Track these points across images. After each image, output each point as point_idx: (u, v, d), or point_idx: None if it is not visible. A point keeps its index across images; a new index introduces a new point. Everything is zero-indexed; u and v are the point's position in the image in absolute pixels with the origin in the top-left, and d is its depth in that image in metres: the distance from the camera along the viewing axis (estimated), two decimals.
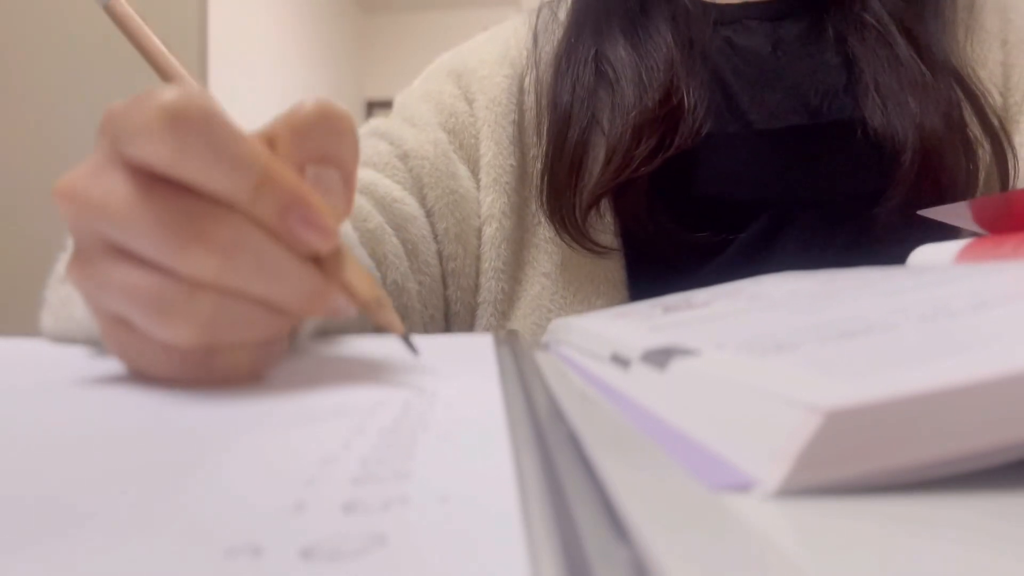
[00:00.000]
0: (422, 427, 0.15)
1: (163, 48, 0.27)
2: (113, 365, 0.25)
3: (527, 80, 0.54)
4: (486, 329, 0.51)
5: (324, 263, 0.22)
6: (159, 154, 0.18)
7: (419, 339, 0.35)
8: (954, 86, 0.46)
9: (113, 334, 0.21)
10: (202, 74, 2.15)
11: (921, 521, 0.10)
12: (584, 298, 0.50)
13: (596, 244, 0.49)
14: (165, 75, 0.27)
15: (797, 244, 0.47)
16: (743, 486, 0.11)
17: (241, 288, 0.20)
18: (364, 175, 0.48)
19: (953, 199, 0.44)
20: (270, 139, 0.22)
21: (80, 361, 0.27)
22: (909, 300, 0.18)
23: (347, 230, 0.43)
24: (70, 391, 0.21)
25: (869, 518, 0.10)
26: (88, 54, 2.00)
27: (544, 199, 0.50)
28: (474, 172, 0.53)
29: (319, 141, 0.22)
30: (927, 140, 0.44)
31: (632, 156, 0.46)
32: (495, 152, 0.52)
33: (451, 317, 0.52)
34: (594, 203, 0.48)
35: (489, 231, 0.51)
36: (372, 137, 0.52)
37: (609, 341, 0.24)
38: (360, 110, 3.94)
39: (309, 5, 3.24)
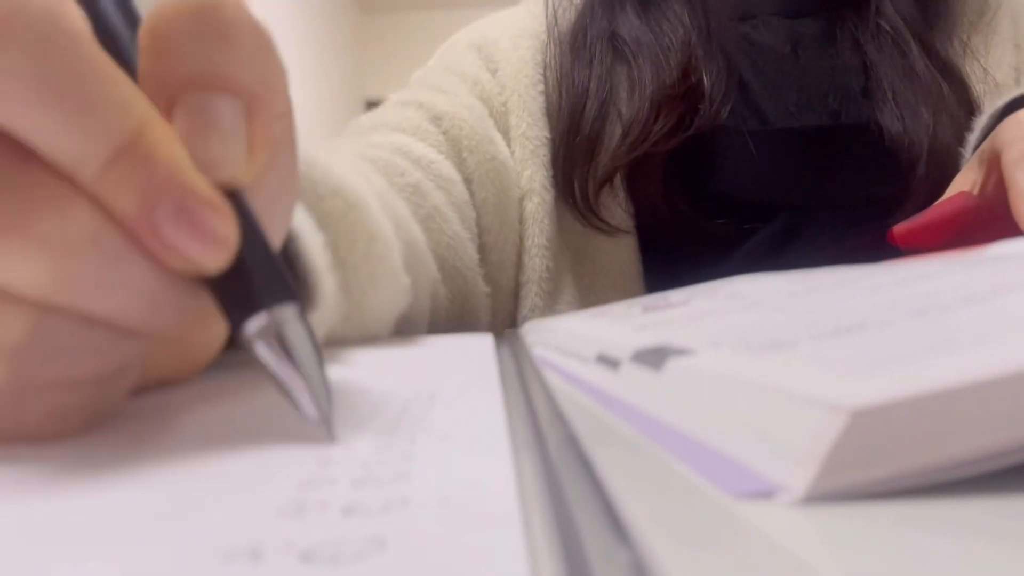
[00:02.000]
0: (421, 428, 0.15)
1: None
2: None
3: (548, 54, 0.53)
4: (532, 309, 0.50)
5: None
6: None
7: (418, 339, 0.35)
8: (965, 97, 0.47)
9: None
10: None
11: (956, 523, 0.10)
12: (599, 290, 0.50)
13: (605, 223, 0.48)
14: None
15: (813, 246, 0.47)
16: (763, 492, 0.11)
17: (77, 305, 0.14)
18: (395, 138, 0.46)
19: None
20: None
21: None
22: (893, 297, 0.18)
23: (380, 184, 0.39)
24: None
25: (884, 520, 0.10)
26: None
27: (559, 174, 0.50)
28: (507, 143, 0.52)
29: (193, 54, 0.14)
30: (939, 151, 0.45)
31: (649, 131, 0.46)
32: (528, 123, 0.51)
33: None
34: (608, 178, 0.48)
35: (531, 206, 0.50)
36: (397, 106, 0.50)
37: (593, 341, 0.24)
38: (360, 110, 3.94)
39: (308, 5, 3.24)
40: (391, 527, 0.10)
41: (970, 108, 0.47)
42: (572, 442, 0.14)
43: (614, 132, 0.48)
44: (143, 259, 0.14)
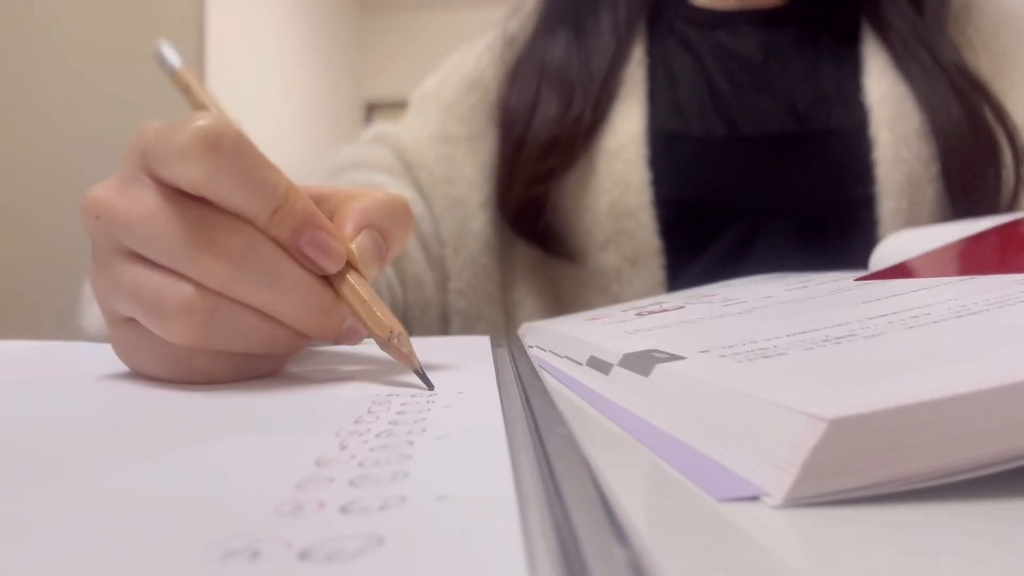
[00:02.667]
0: (419, 428, 0.15)
1: (203, 88, 0.30)
2: (119, 365, 0.25)
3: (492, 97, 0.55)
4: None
5: (338, 290, 0.23)
6: (192, 175, 0.20)
7: (417, 340, 0.35)
8: (976, 90, 0.47)
9: (119, 333, 0.23)
10: (200, 74, 2.14)
11: (933, 528, 0.10)
12: (586, 293, 0.51)
13: (542, 247, 0.51)
14: (201, 108, 0.28)
15: (775, 250, 0.47)
16: (749, 496, 0.11)
17: (244, 296, 0.21)
18: (377, 179, 0.50)
19: (981, 201, 0.45)
20: (318, 197, 0.25)
21: (89, 361, 0.27)
22: (888, 308, 0.18)
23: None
24: (75, 390, 0.21)
25: (862, 523, 0.10)
26: (90, 57, 1.99)
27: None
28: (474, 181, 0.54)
29: (382, 217, 0.25)
30: (954, 143, 0.45)
31: (535, 171, 0.48)
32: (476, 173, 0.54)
33: (451, 318, 0.52)
34: (514, 216, 0.50)
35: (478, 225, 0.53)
36: (374, 144, 0.54)
37: (585, 345, 0.24)
38: (360, 111, 3.94)
39: (308, 5, 3.24)
40: (389, 526, 0.10)
41: (982, 100, 0.47)
42: (569, 443, 0.14)
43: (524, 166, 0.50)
44: (289, 265, 0.22)
